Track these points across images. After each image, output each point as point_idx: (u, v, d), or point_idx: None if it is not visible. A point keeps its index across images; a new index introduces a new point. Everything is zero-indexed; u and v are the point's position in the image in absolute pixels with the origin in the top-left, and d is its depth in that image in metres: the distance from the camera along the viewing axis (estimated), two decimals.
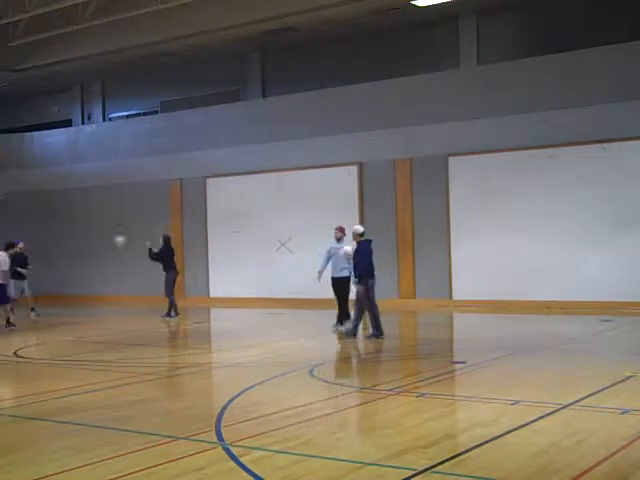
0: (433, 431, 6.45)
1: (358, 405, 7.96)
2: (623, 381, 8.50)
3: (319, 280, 14.45)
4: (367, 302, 12.90)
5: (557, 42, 18.54)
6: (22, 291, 17.77)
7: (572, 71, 17.28)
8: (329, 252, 14.50)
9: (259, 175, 21.29)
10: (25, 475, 5.58)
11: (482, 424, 6.65)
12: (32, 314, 17.92)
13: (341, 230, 14.63)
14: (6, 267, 15.80)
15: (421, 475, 5.27)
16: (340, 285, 14.25)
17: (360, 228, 13.50)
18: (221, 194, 22.00)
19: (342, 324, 14.18)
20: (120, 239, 18.46)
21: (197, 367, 10.83)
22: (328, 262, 14.42)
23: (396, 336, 14.36)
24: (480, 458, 5.68)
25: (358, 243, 13.20)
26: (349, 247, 13.80)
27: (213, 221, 22.12)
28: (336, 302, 14.42)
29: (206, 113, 22.20)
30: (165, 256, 17.47)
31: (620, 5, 18.28)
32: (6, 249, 16.27)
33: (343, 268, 14.08)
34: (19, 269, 17.35)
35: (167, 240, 17.66)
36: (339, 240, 14.63)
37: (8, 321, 15.75)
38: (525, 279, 17.71)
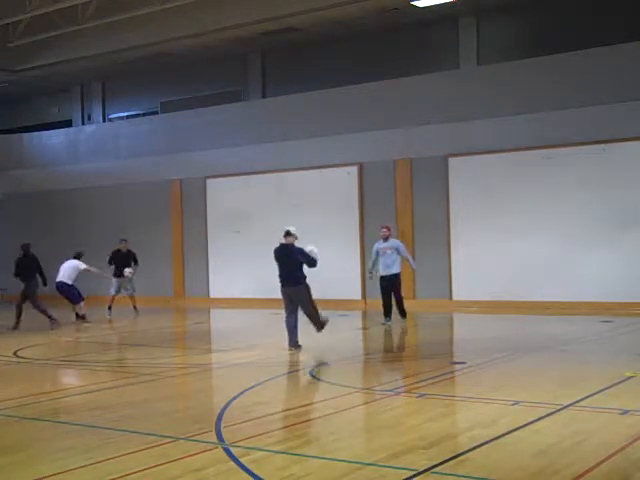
0: (433, 431, 6.45)
1: (358, 405, 7.95)
2: (623, 381, 8.49)
3: (371, 278, 15.47)
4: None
5: (557, 42, 18.57)
6: (118, 290, 18.68)
7: (572, 71, 17.31)
8: (377, 252, 15.04)
9: (259, 175, 21.27)
10: (25, 475, 5.58)
11: (482, 425, 6.65)
12: (107, 312, 18.46)
13: (388, 229, 15.23)
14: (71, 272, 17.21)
15: (421, 475, 5.27)
16: (391, 282, 14.88)
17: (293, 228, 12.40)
18: (221, 194, 21.98)
19: (404, 316, 15.17)
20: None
21: (197, 367, 10.82)
22: (377, 261, 15.00)
23: (396, 336, 14.37)
24: (480, 459, 5.68)
25: (291, 245, 12.32)
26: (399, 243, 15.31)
27: (213, 221, 22.10)
28: (385, 300, 14.99)
29: (206, 113, 22.22)
30: (28, 265, 16.06)
31: (620, 5, 18.31)
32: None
33: (389, 266, 14.84)
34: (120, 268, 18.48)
35: (27, 248, 16.30)
36: (386, 239, 15.06)
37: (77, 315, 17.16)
38: (525, 280, 17.68)
